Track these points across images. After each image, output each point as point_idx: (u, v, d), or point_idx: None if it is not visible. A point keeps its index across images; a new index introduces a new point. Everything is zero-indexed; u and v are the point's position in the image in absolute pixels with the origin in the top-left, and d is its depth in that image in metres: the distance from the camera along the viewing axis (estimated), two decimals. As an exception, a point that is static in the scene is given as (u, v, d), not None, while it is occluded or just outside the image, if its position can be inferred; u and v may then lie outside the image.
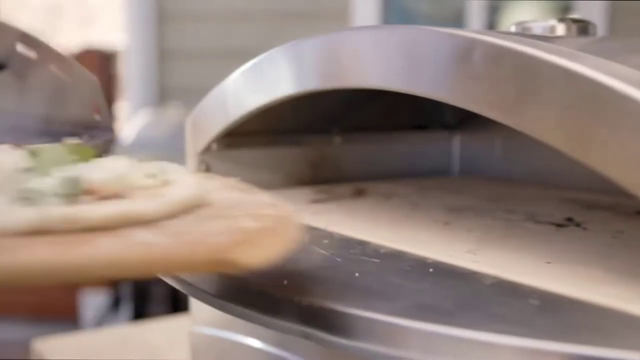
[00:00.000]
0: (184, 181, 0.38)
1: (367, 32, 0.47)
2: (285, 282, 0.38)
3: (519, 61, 0.38)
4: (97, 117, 0.57)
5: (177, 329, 0.89)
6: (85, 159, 0.39)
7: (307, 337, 0.35)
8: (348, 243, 0.46)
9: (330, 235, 0.48)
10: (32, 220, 0.30)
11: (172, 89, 2.30)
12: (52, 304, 2.36)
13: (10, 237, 0.30)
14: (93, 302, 2.25)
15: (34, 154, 0.37)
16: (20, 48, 0.53)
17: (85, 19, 3.35)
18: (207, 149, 0.65)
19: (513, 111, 0.38)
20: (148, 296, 2.02)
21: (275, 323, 0.36)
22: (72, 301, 2.32)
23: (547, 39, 0.46)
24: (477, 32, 0.41)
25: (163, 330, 0.88)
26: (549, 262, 0.41)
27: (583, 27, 0.52)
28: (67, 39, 2.99)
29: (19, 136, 0.49)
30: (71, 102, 0.57)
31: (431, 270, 0.40)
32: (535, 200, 0.63)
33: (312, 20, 2.30)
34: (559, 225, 0.51)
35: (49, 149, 0.37)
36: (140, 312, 2.02)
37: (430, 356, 0.31)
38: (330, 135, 0.72)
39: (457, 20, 2.57)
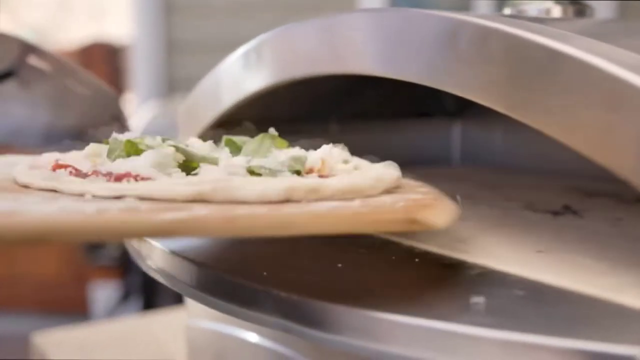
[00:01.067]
0: (370, 166, 0.44)
1: (354, 16, 0.46)
2: (265, 273, 0.37)
3: (506, 43, 0.36)
4: (115, 126, 0.58)
5: (179, 321, 0.88)
6: (281, 147, 0.47)
7: (286, 330, 0.34)
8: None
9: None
10: (283, 189, 0.35)
11: (180, 80, 2.29)
12: (63, 297, 2.37)
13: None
14: (103, 295, 2.25)
15: (233, 142, 0.46)
16: (32, 60, 0.54)
17: (95, 13, 3.35)
18: (201, 138, 0.63)
19: (501, 95, 0.37)
20: (157, 289, 2.02)
21: (254, 316, 0.35)
22: (82, 294, 2.32)
23: (540, 20, 0.44)
24: (465, 13, 0.40)
25: (165, 323, 0.87)
26: (540, 251, 0.40)
27: (580, 9, 0.51)
28: (77, 33, 3.00)
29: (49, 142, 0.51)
30: (89, 113, 0.57)
31: (417, 260, 0.38)
32: (535, 189, 0.61)
33: (319, 11, 2.27)
34: (556, 214, 0.50)
35: (256, 139, 0.46)
36: (150, 305, 2.02)
37: (407, 349, 0.30)
38: (328, 124, 0.71)
39: (466, 9, 2.54)
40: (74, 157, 0.43)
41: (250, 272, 0.37)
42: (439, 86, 0.40)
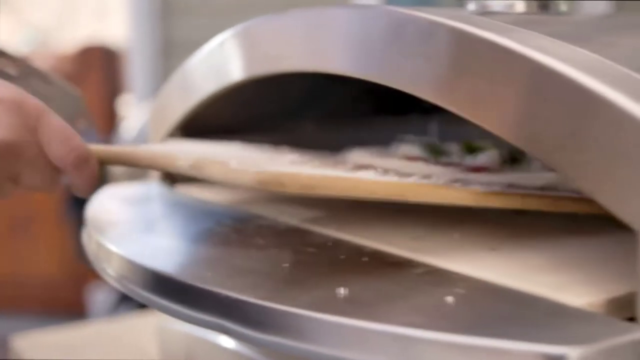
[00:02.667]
0: None
1: (304, 13, 0.45)
2: (209, 274, 0.36)
3: (450, 37, 0.36)
4: (82, 127, 0.58)
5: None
6: None
7: (225, 331, 0.34)
8: (290, 232, 0.44)
9: (275, 224, 0.46)
10: None
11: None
12: (61, 298, 2.37)
13: None
14: (101, 296, 2.25)
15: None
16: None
17: (99, 14, 3.35)
18: (170, 138, 0.63)
19: (444, 90, 0.36)
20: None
21: (195, 317, 0.35)
22: (80, 296, 2.32)
23: (492, 15, 0.44)
24: (414, 8, 0.39)
25: (144, 325, 0.87)
26: (493, 249, 0.39)
27: (543, 5, 0.50)
28: (81, 33, 3.00)
29: None
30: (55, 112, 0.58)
31: (365, 259, 0.38)
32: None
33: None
34: (520, 212, 0.49)
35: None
36: (147, 306, 2.01)
37: (340, 350, 0.29)
38: (302, 122, 0.70)
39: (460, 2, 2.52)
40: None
41: (195, 273, 0.37)
42: (385, 82, 0.39)
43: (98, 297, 2.28)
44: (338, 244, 0.41)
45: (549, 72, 0.31)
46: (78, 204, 2.08)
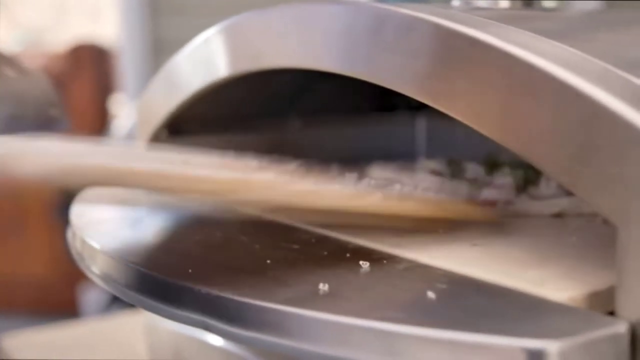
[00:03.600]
0: None
1: (289, 9, 0.45)
2: (190, 270, 0.36)
3: (430, 33, 0.36)
4: (54, 115, 0.57)
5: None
6: None
7: (206, 328, 0.33)
8: (273, 229, 0.44)
9: (258, 221, 0.46)
10: None
11: (168, 80, 2.28)
12: (53, 298, 2.36)
13: None
14: (93, 295, 2.25)
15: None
16: None
17: (92, 14, 3.34)
18: (156, 136, 0.63)
19: (425, 87, 0.36)
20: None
21: (175, 313, 0.35)
22: (73, 295, 2.32)
23: (475, 11, 0.44)
24: (394, 3, 0.39)
25: (132, 323, 0.87)
26: (474, 245, 0.39)
27: (528, 2, 0.50)
28: (73, 33, 2.99)
29: None
30: (24, 101, 0.57)
31: (348, 255, 0.38)
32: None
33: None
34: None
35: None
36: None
37: (321, 346, 0.29)
38: (288, 119, 0.70)
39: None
40: None
41: (176, 269, 0.37)
42: (367, 78, 0.39)
43: (90, 297, 2.28)
44: (322, 240, 0.41)
45: (528, 67, 0.31)
46: (69, 202, 2.08)
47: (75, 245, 0.47)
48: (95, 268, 0.42)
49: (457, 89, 0.35)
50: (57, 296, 2.36)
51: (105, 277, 0.41)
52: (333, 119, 0.72)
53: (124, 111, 2.11)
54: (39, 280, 2.36)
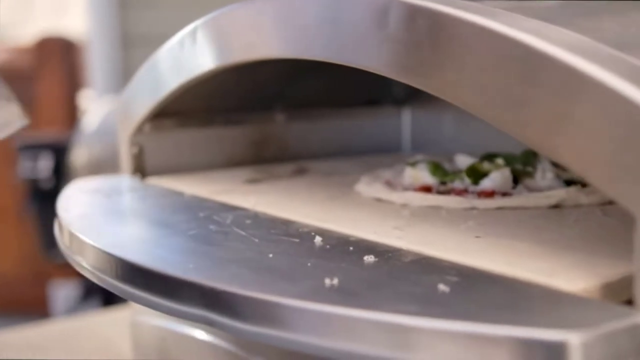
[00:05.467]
0: None
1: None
2: (191, 265, 0.35)
3: (432, 20, 0.35)
4: (7, 110, 0.56)
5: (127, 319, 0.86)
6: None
7: (210, 323, 0.32)
8: (272, 223, 0.44)
9: (254, 216, 0.45)
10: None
11: (138, 75, 2.24)
12: (21, 296, 2.32)
13: None
14: (63, 293, 2.21)
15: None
16: None
17: (57, 7, 3.29)
18: (139, 131, 0.62)
19: (429, 75, 0.36)
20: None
21: (177, 309, 0.34)
22: (42, 293, 2.28)
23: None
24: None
25: (113, 321, 0.85)
26: (478, 237, 0.39)
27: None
28: (38, 27, 2.93)
29: None
30: None
31: (351, 248, 0.37)
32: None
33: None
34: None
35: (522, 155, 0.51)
36: (110, 303, 1.99)
37: (334, 341, 0.29)
38: (273, 113, 0.69)
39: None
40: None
41: (177, 265, 0.36)
42: (370, 68, 0.38)
43: (60, 295, 2.24)
44: (322, 233, 0.40)
45: (542, 56, 0.31)
46: (39, 199, 2.03)
47: (63, 239, 0.46)
48: (86, 263, 0.41)
49: (462, 77, 0.34)
50: (24, 295, 2.32)
51: (99, 272, 0.40)
52: (317, 113, 0.71)
53: (94, 106, 2.08)
54: (7, 278, 2.31)
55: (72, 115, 2.19)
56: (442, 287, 0.30)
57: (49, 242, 2.08)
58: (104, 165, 1.86)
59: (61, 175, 1.95)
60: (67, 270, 2.12)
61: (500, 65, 0.33)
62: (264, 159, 0.68)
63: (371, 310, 0.28)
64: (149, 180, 0.61)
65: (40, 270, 2.20)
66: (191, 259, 0.36)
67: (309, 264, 0.35)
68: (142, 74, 0.60)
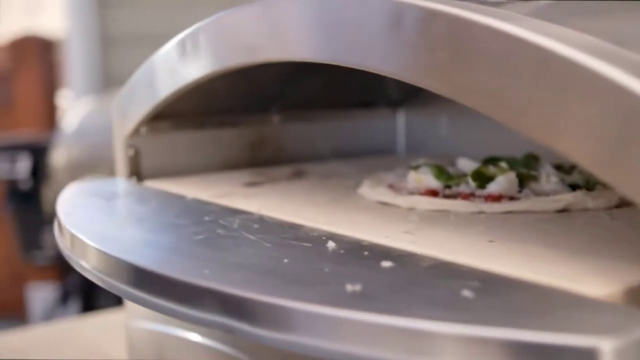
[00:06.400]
0: None
1: (292, 1, 0.44)
2: (206, 271, 0.35)
3: (452, 25, 0.35)
4: None
5: (116, 323, 0.85)
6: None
7: (229, 330, 0.32)
8: (279, 227, 0.43)
9: (260, 220, 0.45)
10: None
11: (117, 75, 2.22)
12: (-1, 299, 2.29)
13: None
14: (41, 296, 2.19)
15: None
16: None
17: (32, 5, 3.25)
18: (135, 132, 0.61)
19: (447, 79, 0.35)
20: (97, 290, 1.97)
21: (195, 315, 0.33)
22: (19, 296, 2.25)
23: (492, 4, 0.43)
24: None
25: (100, 325, 0.84)
26: (491, 241, 0.38)
27: (525, -7, 0.50)
28: (11, 26, 2.89)
29: None
30: None
31: (366, 253, 0.37)
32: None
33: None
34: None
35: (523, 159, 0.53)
36: (89, 307, 1.96)
37: (360, 347, 0.28)
38: (269, 115, 0.69)
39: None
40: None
41: (191, 270, 0.35)
42: (385, 72, 0.38)
43: (38, 297, 2.22)
44: (333, 238, 0.40)
45: (560, 59, 0.31)
46: (17, 200, 2.01)
47: (64, 241, 0.45)
48: (94, 268, 0.40)
49: (480, 81, 0.34)
50: (2, 297, 2.29)
51: (107, 277, 0.39)
52: (313, 114, 0.71)
53: (73, 107, 2.06)
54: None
55: (50, 116, 2.16)
56: (466, 292, 0.30)
57: (28, 243, 2.06)
58: (84, 167, 1.84)
59: (39, 176, 1.93)
60: (46, 272, 2.10)
61: (515, 67, 0.33)
62: (259, 160, 0.68)
63: (400, 317, 0.28)
64: (145, 183, 0.60)
65: (18, 272, 2.17)
66: (205, 264, 0.36)
67: (326, 270, 0.35)
68: (138, 76, 0.59)
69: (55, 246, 2.01)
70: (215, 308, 0.32)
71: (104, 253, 0.39)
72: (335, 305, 0.29)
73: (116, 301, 1.89)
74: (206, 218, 0.46)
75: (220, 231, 0.42)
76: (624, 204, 0.45)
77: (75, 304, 2.04)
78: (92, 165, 1.82)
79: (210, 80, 0.54)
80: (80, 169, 1.82)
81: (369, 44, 0.39)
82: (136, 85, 0.60)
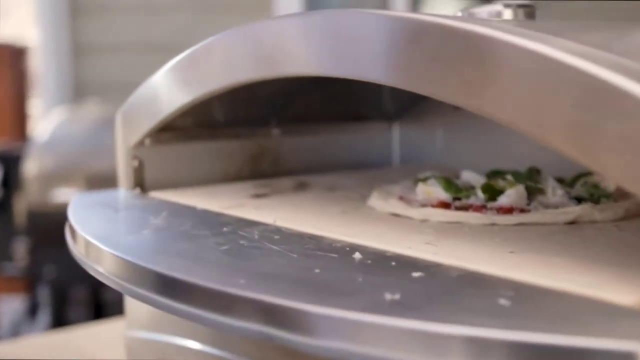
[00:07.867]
0: None
1: (304, 18, 0.45)
2: (242, 281, 0.35)
3: (477, 43, 0.36)
4: None
5: (103, 335, 0.85)
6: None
7: (268, 338, 0.33)
8: (300, 238, 0.44)
9: (279, 231, 0.46)
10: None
11: (89, 84, 2.21)
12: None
13: None
14: (8, 308, 2.15)
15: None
16: None
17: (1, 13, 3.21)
18: (139, 144, 0.61)
19: (471, 95, 0.37)
20: (67, 301, 1.94)
21: (233, 325, 0.34)
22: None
23: (500, 23, 0.44)
24: (426, 14, 0.39)
25: (89, 336, 0.84)
26: (512, 252, 0.40)
27: (529, 12, 0.52)
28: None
29: None
30: None
31: (393, 263, 0.38)
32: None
33: (233, 12, 2.25)
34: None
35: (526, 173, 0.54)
36: (60, 320, 1.94)
37: (405, 354, 0.29)
38: (269, 128, 0.70)
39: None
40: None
41: (227, 280, 0.36)
42: (407, 87, 0.39)
43: (4, 310, 2.18)
44: (357, 249, 0.41)
45: (591, 78, 0.32)
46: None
47: (79, 249, 0.46)
48: (118, 278, 0.41)
49: (505, 97, 0.35)
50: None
51: (131, 289, 0.40)
52: (311, 128, 0.72)
53: (45, 116, 2.04)
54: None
55: (20, 125, 2.14)
56: (502, 301, 0.31)
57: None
58: (56, 177, 1.83)
59: (11, 186, 1.91)
60: (15, 284, 2.06)
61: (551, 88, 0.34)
62: (259, 172, 0.68)
63: (444, 324, 0.29)
64: (150, 194, 0.60)
65: (-15, 284, 2.13)
66: (238, 274, 0.36)
67: (360, 279, 0.36)
68: (145, 88, 0.60)
69: (25, 257, 1.98)
70: (255, 317, 0.33)
71: (131, 263, 0.40)
72: (379, 313, 0.30)
73: (88, 314, 1.87)
74: (224, 229, 0.46)
75: (243, 242, 0.43)
76: (630, 216, 0.47)
77: (44, 317, 2.01)
78: (65, 175, 1.81)
79: (215, 95, 0.55)
80: (53, 180, 1.80)
81: (391, 61, 0.40)
82: (141, 98, 0.61)
